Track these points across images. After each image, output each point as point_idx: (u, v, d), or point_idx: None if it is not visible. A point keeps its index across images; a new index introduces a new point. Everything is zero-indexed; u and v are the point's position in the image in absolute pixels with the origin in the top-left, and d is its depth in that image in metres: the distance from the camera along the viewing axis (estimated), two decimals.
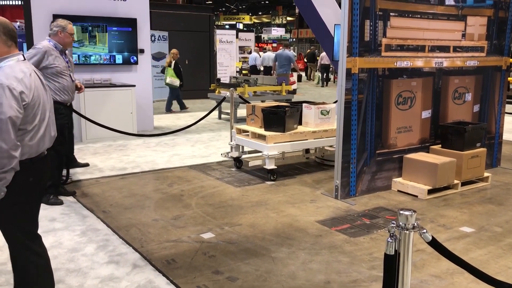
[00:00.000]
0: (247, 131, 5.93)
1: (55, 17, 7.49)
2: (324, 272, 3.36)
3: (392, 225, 2.05)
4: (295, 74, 17.23)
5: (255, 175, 5.85)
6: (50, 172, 2.82)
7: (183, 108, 11.71)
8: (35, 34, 7.50)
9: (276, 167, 5.61)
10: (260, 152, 5.71)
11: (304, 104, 6.09)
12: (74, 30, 4.82)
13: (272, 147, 5.51)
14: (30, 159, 2.45)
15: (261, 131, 5.72)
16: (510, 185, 5.61)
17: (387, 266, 2.07)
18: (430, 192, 5.06)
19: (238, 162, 6.15)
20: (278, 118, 5.60)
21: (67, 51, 5.02)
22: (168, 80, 11.19)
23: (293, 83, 16.42)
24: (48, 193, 4.70)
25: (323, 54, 20.51)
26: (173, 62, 11.22)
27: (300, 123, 6.02)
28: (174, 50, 11.45)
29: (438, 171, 5.03)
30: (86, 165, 6.19)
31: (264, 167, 5.60)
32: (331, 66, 19.96)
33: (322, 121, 5.96)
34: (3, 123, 2.25)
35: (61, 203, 4.74)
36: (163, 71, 11.66)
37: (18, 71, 2.38)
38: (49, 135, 2.60)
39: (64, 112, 4.82)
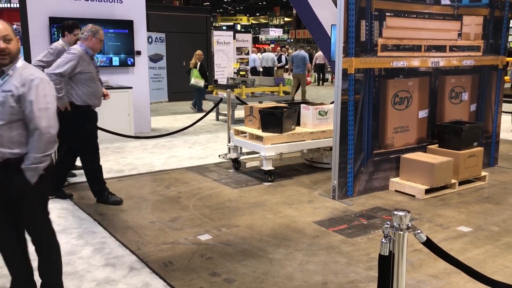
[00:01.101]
0: (245, 132, 5.93)
1: (52, 19, 7.50)
2: (322, 273, 3.36)
3: (386, 225, 2.05)
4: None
5: (253, 176, 5.84)
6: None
7: (199, 109, 11.84)
8: (31, 36, 7.49)
9: (273, 168, 5.60)
10: (258, 153, 5.70)
11: (302, 105, 6.09)
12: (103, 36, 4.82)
13: (269, 148, 5.50)
14: None
15: (259, 132, 5.72)
16: (507, 184, 5.61)
17: (382, 267, 2.06)
18: (427, 191, 5.06)
19: (236, 164, 6.15)
20: (275, 119, 5.60)
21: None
22: (192, 81, 11.49)
23: (309, 83, 16.61)
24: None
25: (318, 54, 20.89)
26: (199, 63, 11.49)
27: (298, 123, 6.02)
28: (198, 52, 11.80)
29: (435, 171, 5.03)
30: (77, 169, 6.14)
31: (262, 168, 5.59)
32: (328, 66, 20.03)
33: (320, 122, 5.95)
34: (52, 112, 2.54)
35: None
36: (188, 72, 11.93)
37: (37, 70, 2.64)
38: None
39: (94, 117, 4.80)
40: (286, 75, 17.22)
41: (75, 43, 5.38)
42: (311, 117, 5.91)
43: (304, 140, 5.78)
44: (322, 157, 6.22)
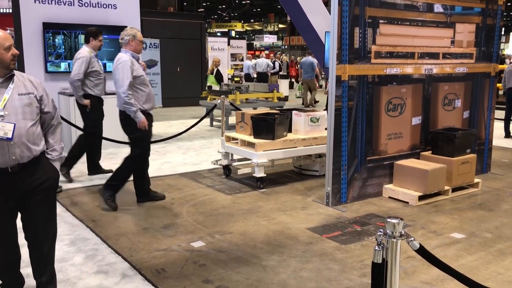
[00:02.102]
0: (237, 139, 5.90)
1: (45, 25, 7.48)
2: (315, 280, 3.34)
3: (380, 233, 2.04)
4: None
5: (246, 182, 5.83)
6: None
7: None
8: (25, 42, 7.46)
9: (265, 175, 5.58)
10: (250, 160, 5.68)
11: (293, 112, 6.08)
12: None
13: (261, 155, 5.47)
14: None
15: (250, 138, 5.70)
16: (500, 190, 5.63)
17: (375, 275, 2.06)
18: (421, 198, 5.07)
19: (227, 170, 6.12)
20: (267, 126, 5.58)
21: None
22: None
23: (318, 87, 16.85)
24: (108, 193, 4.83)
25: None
26: (215, 69, 11.79)
27: (290, 130, 6.02)
28: (216, 58, 12.42)
29: (429, 177, 5.04)
30: (110, 171, 6.23)
31: (254, 175, 5.57)
32: (323, 73, 20.08)
33: (312, 129, 5.94)
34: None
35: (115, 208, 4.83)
36: (206, 78, 12.46)
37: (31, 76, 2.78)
38: None
39: (150, 120, 4.80)
40: (283, 81, 17.30)
41: (99, 48, 5.73)
42: (303, 124, 5.89)
43: (296, 147, 5.76)
44: (311, 165, 6.18)
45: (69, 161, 5.84)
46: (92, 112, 5.91)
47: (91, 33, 5.78)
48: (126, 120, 4.68)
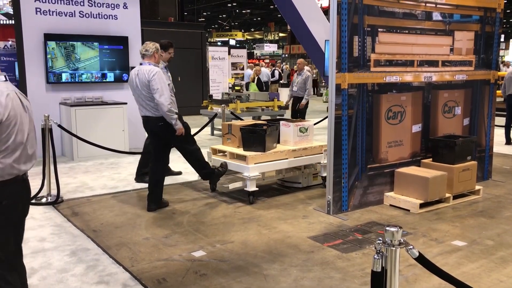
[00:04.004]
0: (224, 151, 5.68)
1: (47, 36, 7.53)
2: None
3: (379, 241, 2.05)
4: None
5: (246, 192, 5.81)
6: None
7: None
8: (26, 52, 7.51)
9: (257, 188, 5.36)
10: (238, 172, 5.47)
11: (282, 122, 5.94)
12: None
13: (253, 168, 5.24)
14: (4, 181, 2.35)
15: (240, 151, 5.47)
16: (501, 197, 5.62)
17: (375, 283, 2.06)
18: (422, 206, 5.06)
19: (213, 185, 5.85)
20: (258, 137, 5.35)
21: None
22: None
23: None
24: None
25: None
26: (256, 77, 12.06)
27: (278, 141, 5.85)
28: (257, 67, 12.99)
29: (430, 185, 5.04)
30: (179, 173, 6.65)
31: (245, 189, 5.32)
32: (323, 80, 20.13)
33: (301, 139, 5.81)
34: None
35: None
36: (247, 87, 12.80)
37: None
38: (25, 156, 2.47)
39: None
40: (283, 90, 17.40)
41: (169, 60, 6.11)
42: (292, 134, 5.75)
43: (287, 158, 5.57)
44: (294, 177, 5.95)
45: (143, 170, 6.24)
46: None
47: (161, 46, 5.90)
48: (167, 126, 4.93)
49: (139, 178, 6.34)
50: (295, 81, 9.92)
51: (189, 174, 6.80)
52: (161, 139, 5.11)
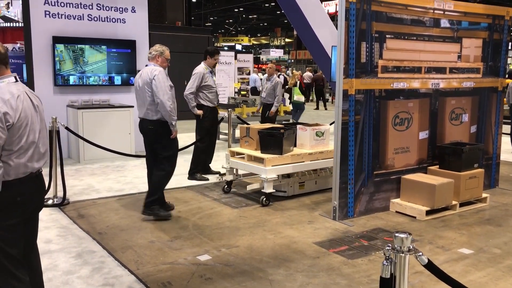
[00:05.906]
0: (242, 154, 5.81)
1: (55, 39, 7.57)
2: None
3: (388, 248, 2.04)
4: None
5: (253, 196, 5.82)
6: None
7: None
8: (35, 55, 7.56)
9: (274, 190, 5.50)
10: (256, 174, 5.56)
11: (298, 126, 6.06)
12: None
13: (271, 170, 5.40)
14: (19, 179, 2.46)
15: (258, 153, 5.64)
16: (508, 205, 5.59)
17: None
18: (428, 213, 5.04)
19: (228, 187, 5.98)
20: (276, 140, 5.54)
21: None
22: (295, 98, 12.32)
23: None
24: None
25: (305, 74, 21.56)
26: (298, 82, 12.39)
27: (295, 145, 5.97)
28: (295, 72, 13.69)
29: (436, 192, 5.02)
30: (218, 172, 6.75)
31: (262, 190, 5.47)
32: (329, 86, 20.13)
33: (317, 143, 5.91)
34: None
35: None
36: (288, 92, 13.27)
37: (6, 92, 2.42)
38: (37, 154, 2.57)
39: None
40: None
41: (214, 66, 6.72)
42: (309, 138, 5.86)
43: (304, 161, 5.73)
44: (278, 185, 5.79)
45: (196, 170, 6.69)
46: (205, 120, 6.66)
47: (208, 52, 6.63)
48: (162, 132, 4.86)
49: (205, 172, 6.80)
50: (264, 87, 9.30)
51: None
52: (149, 140, 5.01)
